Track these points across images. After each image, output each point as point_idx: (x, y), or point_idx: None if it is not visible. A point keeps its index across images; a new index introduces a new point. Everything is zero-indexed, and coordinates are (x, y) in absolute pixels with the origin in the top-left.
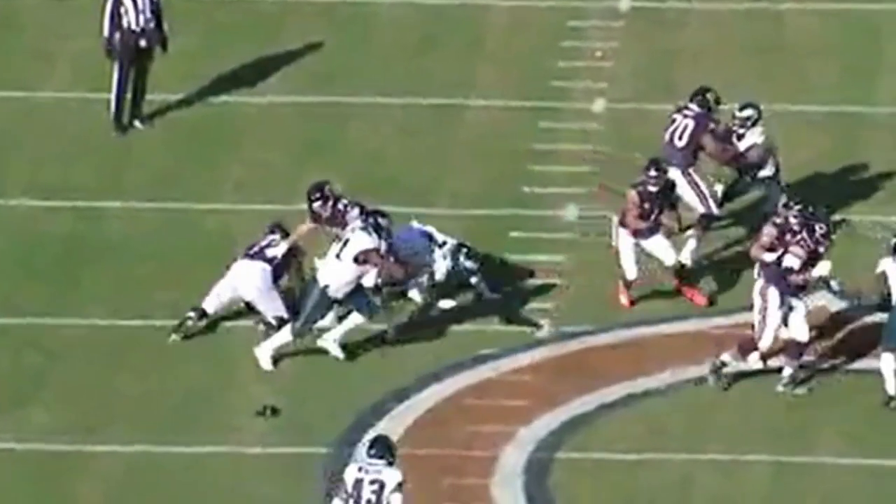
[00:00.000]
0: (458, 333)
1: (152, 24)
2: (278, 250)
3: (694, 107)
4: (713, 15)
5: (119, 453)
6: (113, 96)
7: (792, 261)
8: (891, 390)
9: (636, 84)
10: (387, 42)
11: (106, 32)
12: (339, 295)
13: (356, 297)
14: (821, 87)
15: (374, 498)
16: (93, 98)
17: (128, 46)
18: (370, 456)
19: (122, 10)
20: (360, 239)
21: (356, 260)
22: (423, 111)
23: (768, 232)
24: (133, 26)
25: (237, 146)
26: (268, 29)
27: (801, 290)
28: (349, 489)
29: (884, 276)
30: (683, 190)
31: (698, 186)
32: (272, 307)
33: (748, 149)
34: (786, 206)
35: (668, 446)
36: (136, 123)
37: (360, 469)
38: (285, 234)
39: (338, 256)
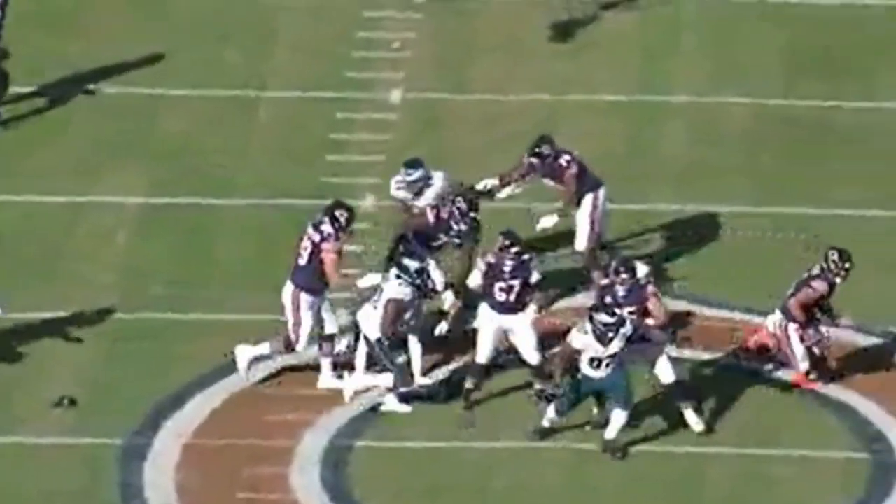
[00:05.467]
0: (252, 323)
1: None
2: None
3: None
4: (511, 6)
5: None
6: None
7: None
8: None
9: (433, 75)
10: (183, 32)
11: None
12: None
13: None
14: (618, 77)
15: None
16: None
17: None
18: None
19: None
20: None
21: None
22: (220, 102)
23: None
24: None
25: (47, 136)
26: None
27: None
28: None
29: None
30: None
31: None
32: None
33: None
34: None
35: (466, 435)
36: None
37: None
38: None
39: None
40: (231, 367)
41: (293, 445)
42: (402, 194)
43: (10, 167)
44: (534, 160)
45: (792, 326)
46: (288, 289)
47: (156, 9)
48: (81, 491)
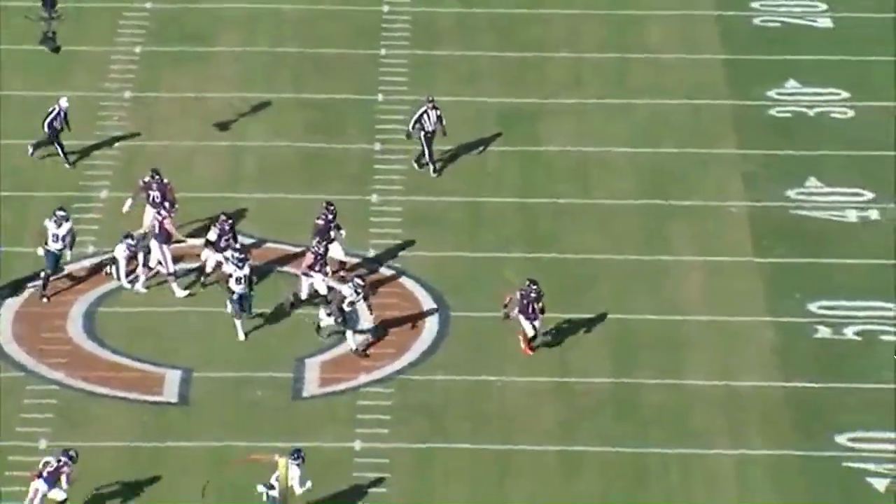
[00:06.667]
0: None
1: None
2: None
3: None
4: (176, 101)
5: None
6: None
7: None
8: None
9: (140, 131)
10: None
11: None
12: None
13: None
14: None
15: None
16: None
17: None
18: None
19: None
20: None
21: None
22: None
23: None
24: None
25: None
26: None
27: None
28: None
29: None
30: None
31: None
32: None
33: None
34: None
35: (187, 302)
36: None
37: None
38: None
39: None
40: (37, 276)
41: (68, 310)
42: (49, 224)
43: None
44: (148, 180)
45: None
46: (153, 244)
47: None
48: None
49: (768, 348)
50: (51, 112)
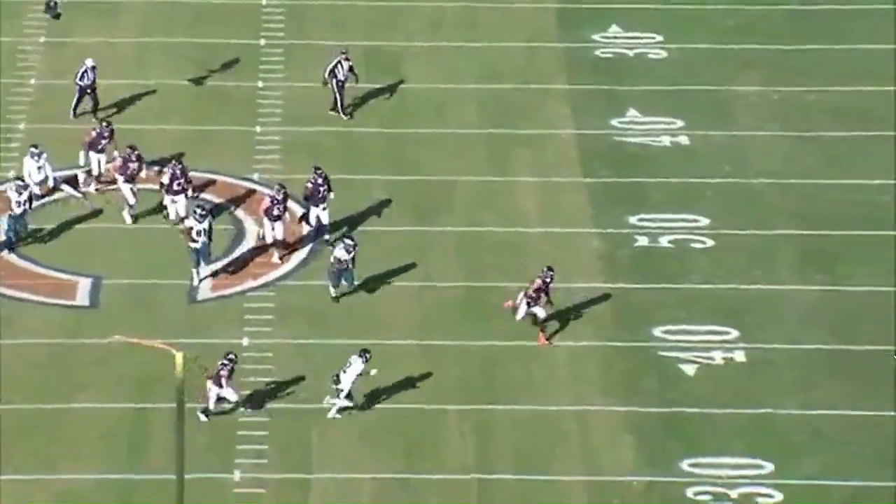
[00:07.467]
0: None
1: None
2: None
3: None
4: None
5: None
6: None
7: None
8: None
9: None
10: None
11: None
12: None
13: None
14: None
15: None
16: None
17: None
18: None
19: None
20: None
21: None
22: None
23: None
24: None
25: None
26: None
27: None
28: None
29: None
30: None
31: None
32: None
33: None
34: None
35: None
36: None
37: None
38: None
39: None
40: None
41: None
42: (11, 193)
43: None
44: (99, 130)
45: (525, 299)
46: (119, 181)
47: None
48: None
49: (595, 255)
50: (80, 69)
